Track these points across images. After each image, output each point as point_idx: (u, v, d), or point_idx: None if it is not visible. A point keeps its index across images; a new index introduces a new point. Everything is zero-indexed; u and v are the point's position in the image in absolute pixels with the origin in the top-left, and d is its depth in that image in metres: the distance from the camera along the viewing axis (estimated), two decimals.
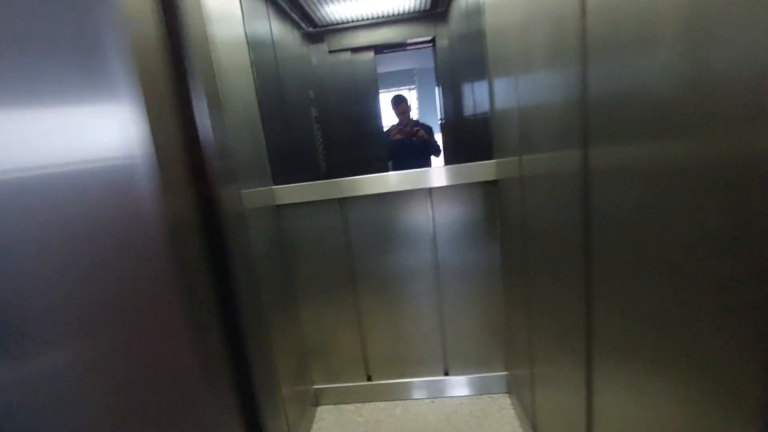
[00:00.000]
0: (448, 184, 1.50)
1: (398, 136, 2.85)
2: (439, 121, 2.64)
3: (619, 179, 0.61)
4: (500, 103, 1.32)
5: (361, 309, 1.68)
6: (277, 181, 1.58)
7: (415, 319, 1.67)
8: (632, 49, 0.54)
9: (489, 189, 1.51)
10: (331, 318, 1.69)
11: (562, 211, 0.84)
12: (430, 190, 1.54)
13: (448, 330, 1.67)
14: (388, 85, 4.89)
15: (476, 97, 1.88)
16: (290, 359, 1.54)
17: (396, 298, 1.66)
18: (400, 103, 2.87)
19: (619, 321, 0.66)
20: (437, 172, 1.49)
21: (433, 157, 2.92)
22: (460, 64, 2.16)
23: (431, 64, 4.42)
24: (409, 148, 2.83)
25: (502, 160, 1.38)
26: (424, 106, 4.93)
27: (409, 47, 2.68)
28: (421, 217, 1.57)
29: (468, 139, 2.13)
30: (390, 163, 2.89)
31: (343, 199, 1.58)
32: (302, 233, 1.63)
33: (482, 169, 1.48)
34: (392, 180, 1.51)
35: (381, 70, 4.59)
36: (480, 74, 1.71)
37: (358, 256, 1.63)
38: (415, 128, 2.75)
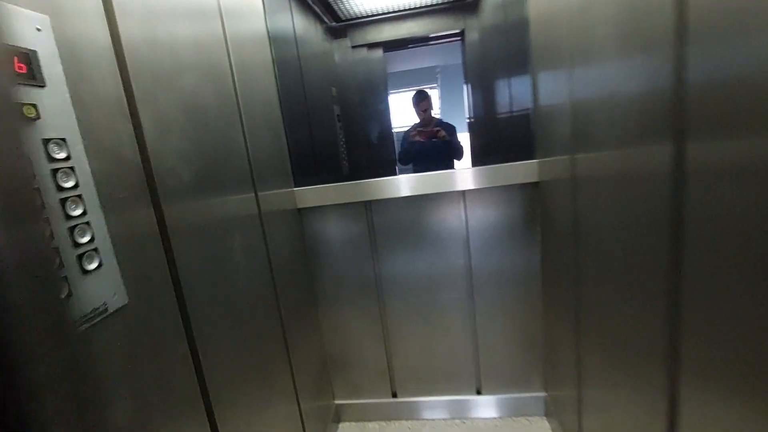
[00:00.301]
0: (484, 186, 1.37)
1: (417, 138, 2.69)
2: (467, 120, 2.50)
3: (728, 180, 0.48)
4: (546, 98, 1.19)
5: (386, 319, 1.56)
6: (299, 182, 1.48)
7: (445, 332, 1.55)
8: (755, 24, 0.41)
9: (528, 191, 1.38)
10: (354, 328, 1.59)
11: (638, 216, 0.70)
12: (464, 193, 1.42)
13: (481, 344, 1.54)
14: (408, 84, 4.76)
15: (513, 93, 1.74)
16: (310, 371, 1.44)
17: (425, 308, 1.54)
18: (422, 100, 2.69)
19: (719, 348, 0.52)
20: (472, 174, 1.36)
21: (455, 161, 2.76)
22: (493, 59, 2.02)
23: (456, 60, 4.27)
24: (430, 150, 2.67)
25: (546, 159, 1.24)
26: (447, 105, 4.79)
27: (434, 42, 2.55)
28: (453, 222, 1.45)
29: (502, 138, 1.99)
30: (395, 167, 2.74)
31: (369, 202, 1.47)
32: (324, 237, 1.53)
33: (522, 170, 1.34)
34: (422, 182, 1.40)
35: (401, 68, 4.46)
36: (519, 68, 1.58)
37: (384, 263, 1.52)
38: (436, 128, 2.60)
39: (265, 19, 1.40)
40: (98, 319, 0.59)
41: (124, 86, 0.69)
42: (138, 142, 0.71)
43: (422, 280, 1.51)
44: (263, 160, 1.23)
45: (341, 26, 2.22)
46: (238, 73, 1.12)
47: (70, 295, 0.55)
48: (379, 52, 2.52)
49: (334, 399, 1.65)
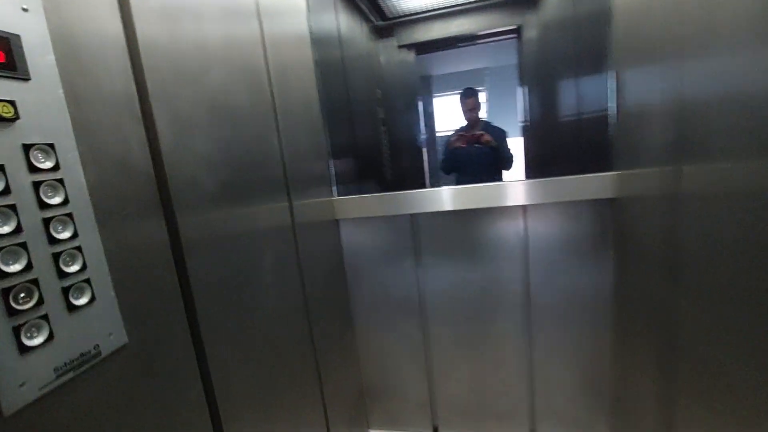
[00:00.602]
0: (548, 201, 1.18)
1: (458, 144, 2.47)
2: (520, 124, 2.28)
3: None
4: (635, 98, 0.99)
5: (430, 346, 1.40)
6: (338, 191, 1.36)
7: (496, 364, 1.36)
8: None
9: (600, 208, 1.17)
10: (394, 353, 1.44)
11: None
12: (525, 208, 1.23)
13: (537, 379, 1.34)
14: (454, 88, 4.55)
15: (582, 93, 1.54)
16: (343, 400, 1.31)
17: (474, 337, 1.36)
18: (469, 97, 2.43)
19: None
20: (535, 187, 1.18)
21: (504, 171, 2.50)
22: (556, 57, 1.82)
23: (507, 60, 4.04)
24: (474, 157, 2.40)
25: (630, 172, 1.04)
26: (495, 110, 4.54)
27: (486, 40, 2.36)
28: (511, 240, 1.27)
29: (564, 145, 1.78)
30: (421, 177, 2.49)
31: (415, 215, 1.32)
32: (364, 252, 1.39)
33: (594, 184, 1.14)
34: (476, 194, 1.23)
35: (447, 70, 4.28)
36: (591, 65, 1.37)
37: (429, 284, 1.36)
38: (479, 132, 2.36)
39: (308, 18, 1.30)
40: (87, 366, 0.48)
41: (136, 81, 0.58)
42: (150, 147, 0.60)
43: (472, 306, 1.34)
44: (299, 165, 1.12)
45: (388, 25, 2.10)
46: (275, 72, 1.01)
47: (50, 338, 0.44)
48: (425, 53, 2.37)
49: (369, 429, 1.50)
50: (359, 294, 1.41)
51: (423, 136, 2.60)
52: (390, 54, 2.19)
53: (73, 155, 0.48)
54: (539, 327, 1.31)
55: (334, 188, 1.37)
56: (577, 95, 1.59)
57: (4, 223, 0.41)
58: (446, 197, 1.25)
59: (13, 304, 0.40)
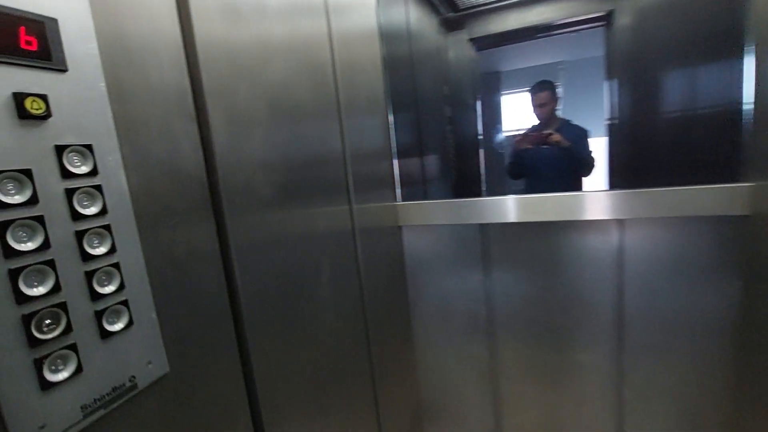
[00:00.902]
0: (656, 215, 0.99)
1: (523, 144, 2.18)
2: (607, 122, 2.02)
3: None
4: None
5: (498, 369, 1.25)
6: (402, 195, 1.26)
7: (577, 398, 1.18)
8: None
9: (725, 226, 0.96)
10: (456, 374, 1.31)
11: None
12: (622, 223, 1.04)
13: (628, 422, 1.15)
14: (525, 85, 4.26)
15: (699, 86, 1.29)
16: (401, 422, 1.21)
17: (551, 363, 1.19)
18: (540, 90, 2.15)
19: None
20: (637, 198, 0.99)
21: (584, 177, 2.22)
22: (658, 44, 1.57)
23: (588, 53, 3.70)
24: (545, 160, 2.13)
25: None
26: (573, 108, 4.17)
27: (566, 30, 2.12)
28: (602, 259, 1.09)
29: (667, 148, 1.53)
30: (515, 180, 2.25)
31: (487, 225, 1.18)
32: (427, 262, 1.28)
33: (721, 197, 0.93)
34: (560, 204, 1.06)
35: (519, 65, 4.01)
36: (709, 53, 1.14)
37: (500, 300, 1.21)
38: (547, 132, 2.07)
39: (377, 12, 1.20)
40: (120, 401, 0.41)
41: (190, 74, 0.52)
42: (204, 149, 0.54)
43: (549, 329, 1.17)
44: (362, 166, 1.03)
45: (459, 16, 1.96)
46: (342, 68, 0.93)
47: (78, 371, 0.38)
48: (498, 46, 2.19)
49: None
50: (421, 307, 1.30)
51: (499, 135, 2.41)
52: (459, 48, 2.04)
53: (115, 158, 0.42)
54: (633, 360, 1.11)
55: (398, 191, 1.27)
56: (687, 88, 1.35)
57: (30, 239, 0.35)
58: (522, 207, 1.10)
59: (36, 334, 0.35)
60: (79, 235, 0.38)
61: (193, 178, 0.52)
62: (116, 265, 0.41)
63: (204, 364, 0.52)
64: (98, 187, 0.40)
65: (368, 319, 1.02)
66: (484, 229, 1.19)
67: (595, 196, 1.03)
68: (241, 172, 0.59)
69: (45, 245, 0.36)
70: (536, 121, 2.24)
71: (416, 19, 1.74)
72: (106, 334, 0.40)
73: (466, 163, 2.11)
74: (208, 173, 0.54)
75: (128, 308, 0.42)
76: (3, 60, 0.34)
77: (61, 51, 0.38)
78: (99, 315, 0.40)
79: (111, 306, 0.41)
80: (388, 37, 1.26)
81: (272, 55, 0.67)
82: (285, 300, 0.68)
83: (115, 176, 0.42)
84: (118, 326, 0.41)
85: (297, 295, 0.72)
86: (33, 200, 0.35)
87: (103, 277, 0.40)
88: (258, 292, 0.61)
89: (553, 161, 2.12)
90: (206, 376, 0.52)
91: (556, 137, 2.05)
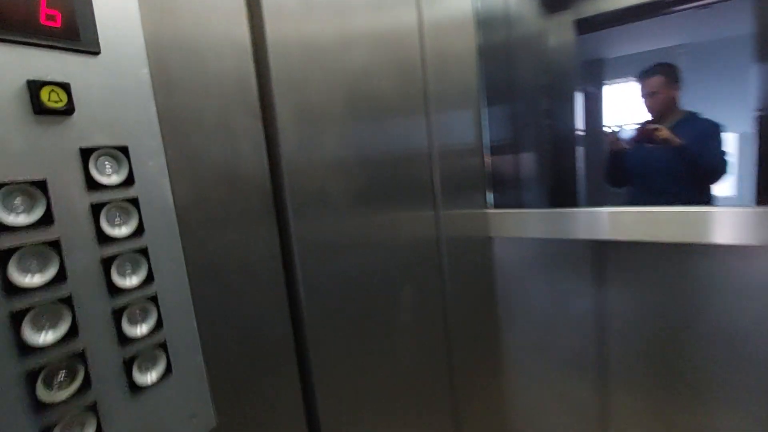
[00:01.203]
0: None
1: (619, 145, 1.84)
2: (758, 113, 1.60)
3: None
4: None
5: (610, 420, 1.03)
6: (494, 201, 1.09)
7: None
8: None
9: None
10: (556, 417, 1.11)
11: None
12: None
13: None
14: (628, 74, 3.70)
15: None
16: None
17: (681, 424, 0.95)
18: (650, 75, 1.80)
19: None
20: None
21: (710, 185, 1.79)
22: None
23: (721, 33, 3.14)
24: (654, 162, 1.76)
25: None
26: (697, 99, 3.52)
27: (696, 4, 1.73)
28: (761, 292, 0.82)
29: None
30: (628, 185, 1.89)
31: (601, 242, 0.97)
32: (522, 281, 1.10)
33: None
34: (703, 221, 0.82)
35: (630, 50, 3.52)
36: None
37: (617, 336, 0.99)
38: (652, 126, 1.70)
39: None
40: None
41: (255, 60, 0.42)
42: (268, 150, 0.44)
43: (681, 376, 0.93)
44: (451, 168, 0.88)
45: None
46: (432, 58, 0.79)
47: None
48: (607, 27, 1.88)
49: None
50: (513, 333, 1.12)
51: (613, 130, 2.10)
52: (562, 31, 1.79)
53: (158, 163, 0.33)
54: None
55: (489, 196, 1.10)
56: None
57: (39, 269, 0.27)
58: (646, 222, 0.87)
59: (42, 397, 0.27)
60: (107, 263, 0.30)
61: (253, 185, 0.42)
62: (153, 299, 0.33)
63: (260, 414, 0.43)
64: (134, 201, 0.32)
65: (452, 343, 0.88)
66: (599, 246, 0.98)
67: (756, 212, 0.77)
68: (311, 177, 0.48)
69: (60, 278, 0.28)
70: (648, 115, 1.88)
71: (516, 1, 1.53)
72: (136, 389, 0.32)
73: (573, 164, 1.84)
74: (272, 179, 0.44)
75: (166, 352, 0.33)
76: (17, 39, 0.26)
77: (93, 28, 0.29)
78: (129, 363, 0.31)
79: (144, 350, 0.32)
80: (484, 23, 1.10)
81: (351, 40, 0.56)
82: (356, 329, 0.57)
83: (156, 186, 0.33)
84: (152, 376, 0.33)
85: (372, 322, 0.61)
86: (46, 220, 0.27)
87: (136, 315, 0.32)
88: (326, 325, 0.50)
89: (663, 163, 1.75)
90: (261, 428, 0.43)
91: (664, 133, 1.68)
